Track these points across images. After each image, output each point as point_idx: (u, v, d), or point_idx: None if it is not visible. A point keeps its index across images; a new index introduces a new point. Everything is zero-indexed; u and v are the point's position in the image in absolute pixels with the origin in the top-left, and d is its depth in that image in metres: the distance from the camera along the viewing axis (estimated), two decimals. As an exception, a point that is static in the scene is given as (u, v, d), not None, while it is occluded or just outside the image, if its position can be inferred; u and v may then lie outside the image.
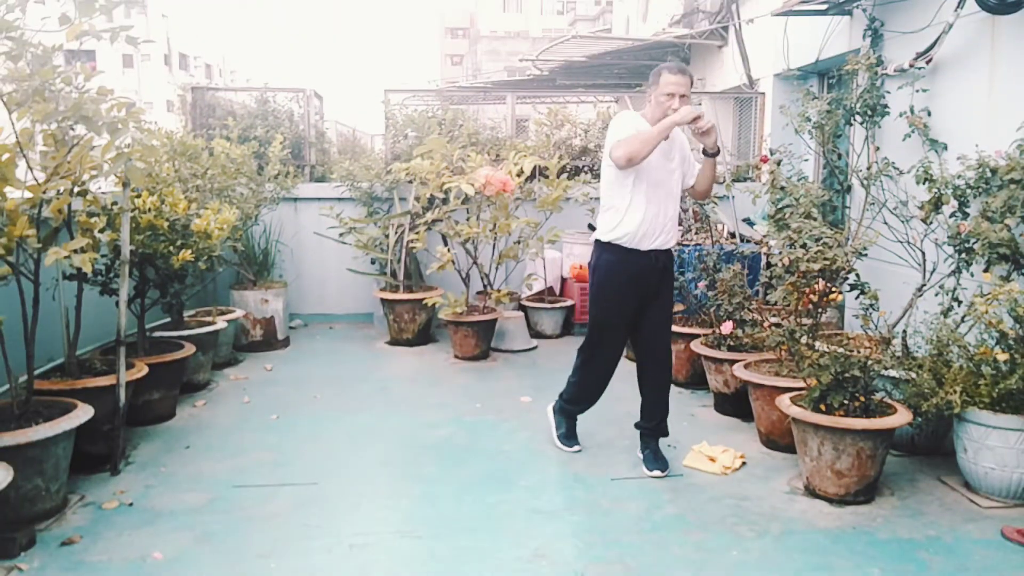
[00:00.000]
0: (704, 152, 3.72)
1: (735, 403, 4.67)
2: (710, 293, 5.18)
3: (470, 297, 6.42)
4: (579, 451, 4.10)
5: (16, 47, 3.17)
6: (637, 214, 3.69)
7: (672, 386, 5.28)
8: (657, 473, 3.78)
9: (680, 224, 6.45)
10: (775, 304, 4.38)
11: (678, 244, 6.05)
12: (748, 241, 6.17)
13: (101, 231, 3.78)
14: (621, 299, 3.80)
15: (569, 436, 4.18)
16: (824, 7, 5.93)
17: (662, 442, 4.01)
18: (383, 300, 6.63)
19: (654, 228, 3.71)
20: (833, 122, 5.19)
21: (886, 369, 3.78)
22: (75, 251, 3.20)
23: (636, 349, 4.02)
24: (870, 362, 3.59)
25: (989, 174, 3.91)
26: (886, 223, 4.66)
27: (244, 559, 3.00)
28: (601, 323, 3.91)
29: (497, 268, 6.63)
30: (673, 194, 3.80)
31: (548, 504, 3.50)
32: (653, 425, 3.94)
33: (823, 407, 3.58)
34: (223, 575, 2.90)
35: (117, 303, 3.91)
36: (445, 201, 6.44)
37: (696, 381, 5.25)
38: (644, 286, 3.79)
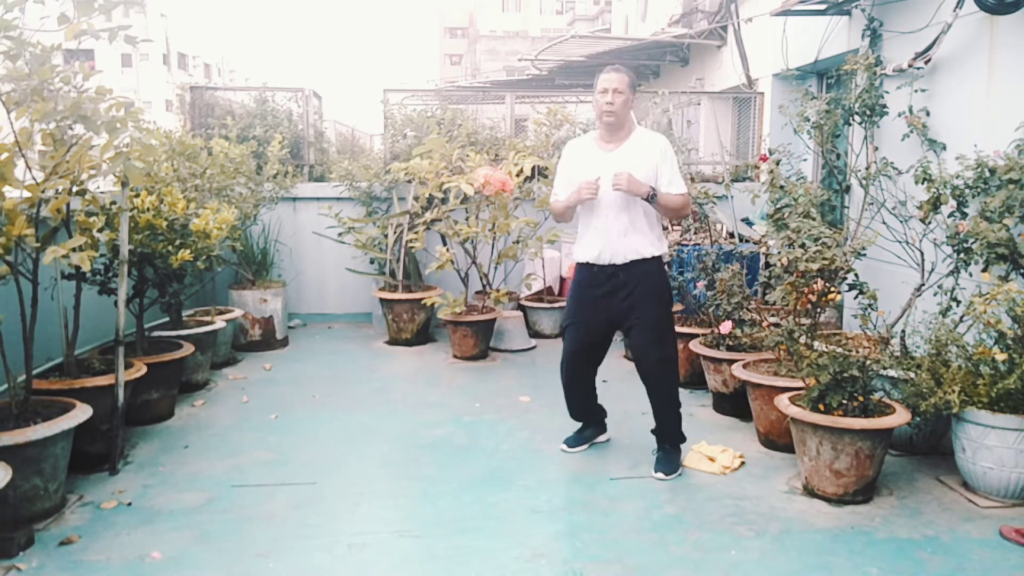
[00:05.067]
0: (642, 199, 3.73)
1: (734, 403, 4.67)
2: (709, 293, 5.18)
3: (469, 297, 6.42)
4: (563, 450, 4.09)
5: (15, 46, 3.16)
6: (586, 233, 3.85)
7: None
8: (660, 476, 3.77)
9: (679, 225, 6.46)
10: (774, 304, 4.38)
11: (677, 244, 6.05)
12: (747, 241, 6.17)
13: (100, 230, 3.79)
14: (578, 305, 3.93)
15: (571, 435, 4.17)
16: (823, 7, 5.94)
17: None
18: (382, 300, 6.63)
19: (605, 244, 3.76)
20: (832, 122, 5.19)
21: (885, 369, 3.78)
22: (73, 250, 3.20)
23: None
24: (869, 362, 3.59)
25: (988, 174, 3.92)
26: (885, 223, 4.66)
27: (243, 558, 3.00)
28: (566, 322, 4.02)
29: (496, 268, 6.63)
30: (620, 207, 3.73)
31: (547, 504, 3.51)
32: (658, 430, 3.95)
33: (822, 407, 3.58)
34: (222, 575, 2.89)
35: (116, 302, 3.91)
36: (444, 201, 6.44)
37: (695, 381, 5.25)
38: (599, 300, 3.83)
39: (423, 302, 6.29)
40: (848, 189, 5.61)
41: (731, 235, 6.44)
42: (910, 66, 5.00)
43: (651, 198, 3.67)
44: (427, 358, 6.19)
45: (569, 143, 4.06)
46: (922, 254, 4.32)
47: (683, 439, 3.97)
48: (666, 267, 5.85)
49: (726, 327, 4.79)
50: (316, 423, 4.59)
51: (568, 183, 3.86)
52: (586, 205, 3.80)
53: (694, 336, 5.10)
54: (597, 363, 4.06)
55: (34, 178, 3.33)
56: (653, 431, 3.97)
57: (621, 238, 3.74)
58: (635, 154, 3.74)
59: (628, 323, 3.84)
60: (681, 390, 5.19)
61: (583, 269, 3.91)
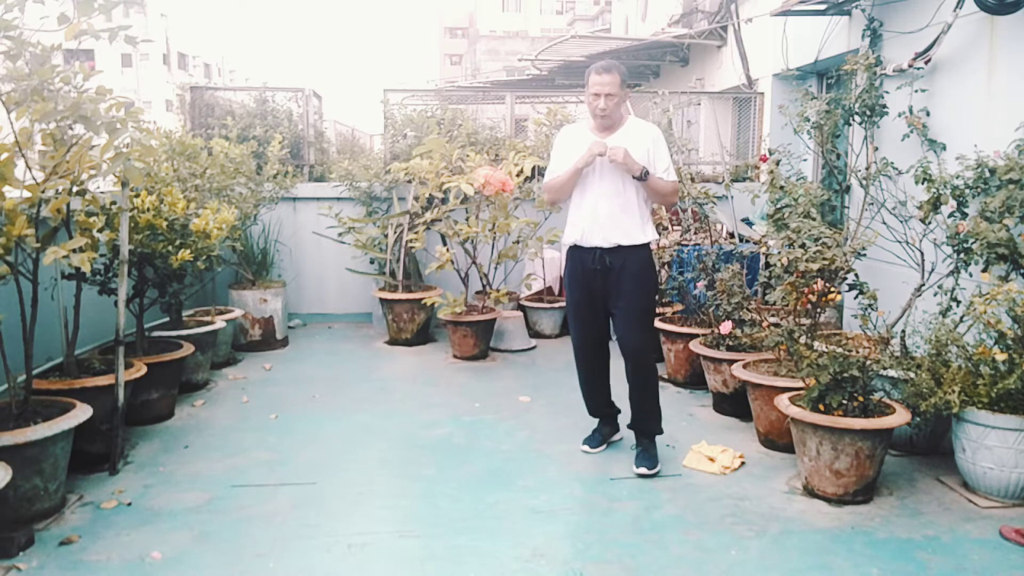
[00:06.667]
0: (633, 177, 3.75)
1: (734, 403, 4.67)
2: (709, 293, 5.19)
3: (469, 297, 6.42)
4: (585, 451, 4.11)
5: (15, 46, 3.16)
6: (575, 214, 3.91)
7: (671, 385, 5.35)
8: (643, 471, 3.77)
9: (679, 225, 6.46)
10: (774, 304, 4.38)
11: (677, 244, 6.05)
12: (747, 241, 6.17)
13: (100, 231, 3.79)
14: (573, 292, 3.99)
15: (590, 436, 4.19)
16: (823, 7, 5.94)
17: (660, 441, 4.03)
18: (382, 300, 6.63)
19: (593, 226, 3.81)
20: (832, 122, 5.19)
21: (885, 369, 3.78)
22: (74, 250, 3.20)
23: None
24: (869, 362, 3.59)
25: (987, 174, 3.92)
26: (885, 223, 4.66)
27: (243, 558, 3.00)
28: (568, 313, 4.11)
29: (496, 268, 6.63)
30: (611, 191, 3.78)
31: (547, 503, 3.51)
32: (635, 423, 3.98)
33: (822, 407, 3.58)
34: (222, 574, 2.89)
35: (116, 303, 3.91)
36: (444, 201, 6.44)
37: (695, 381, 5.25)
38: (591, 282, 3.88)
39: (423, 302, 6.30)
40: (848, 189, 5.61)
41: (731, 235, 6.44)
42: (910, 66, 5.00)
43: (643, 176, 3.71)
44: (427, 358, 6.19)
45: (564, 128, 4.13)
46: (922, 254, 4.32)
47: (660, 431, 3.97)
48: (666, 266, 5.89)
49: (726, 327, 4.79)
50: (316, 423, 4.59)
51: (565, 166, 3.88)
52: (578, 186, 3.85)
53: (694, 336, 5.10)
54: (605, 353, 4.09)
55: (34, 178, 3.33)
56: (630, 425, 4.00)
57: (609, 221, 3.79)
58: (628, 141, 3.78)
59: (612, 307, 3.89)
60: (681, 390, 5.25)
61: (572, 255, 3.96)
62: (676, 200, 3.89)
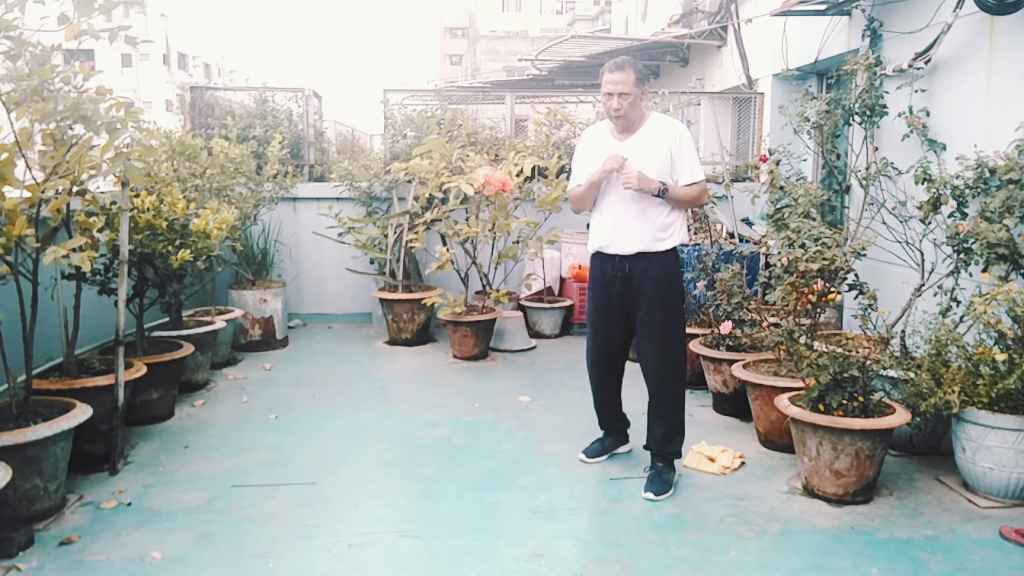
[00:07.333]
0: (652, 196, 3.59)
1: (734, 403, 4.68)
2: (709, 293, 5.19)
3: (469, 297, 6.42)
4: (582, 460, 4.00)
5: (15, 46, 3.16)
6: (597, 220, 3.79)
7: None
8: (650, 496, 3.54)
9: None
10: (774, 304, 4.38)
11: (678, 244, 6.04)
12: (747, 241, 6.17)
13: (100, 230, 3.79)
14: (592, 298, 3.88)
15: (590, 445, 4.06)
16: (823, 7, 5.94)
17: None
18: (382, 300, 6.63)
19: (615, 232, 3.67)
20: (832, 122, 5.19)
21: (885, 369, 3.78)
22: (73, 250, 3.20)
23: None
24: (869, 362, 3.59)
25: (987, 174, 3.92)
26: (885, 223, 4.67)
27: (242, 558, 3.00)
28: (587, 319, 3.97)
29: (496, 268, 6.63)
30: (632, 196, 3.59)
31: (547, 504, 3.51)
32: (650, 443, 3.78)
33: (822, 407, 3.58)
34: (222, 574, 2.89)
35: (116, 303, 3.91)
36: (444, 201, 6.45)
37: (695, 381, 5.24)
38: (610, 290, 3.75)
39: (423, 302, 6.30)
40: (848, 189, 5.61)
41: (731, 235, 6.44)
42: (910, 66, 5.00)
43: (662, 193, 3.52)
44: (427, 358, 6.19)
45: (586, 131, 3.99)
46: (922, 254, 4.32)
47: (679, 454, 3.76)
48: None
49: (726, 327, 4.79)
50: (316, 423, 4.59)
51: (586, 173, 3.74)
52: (601, 192, 3.70)
53: (694, 336, 5.10)
54: (620, 362, 3.95)
55: (34, 178, 3.33)
56: (646, 446, 3.79)
57: (631, 227, 3.63)
58: (649, 142, 3.62)
59: (636, 320, 3.75)
60: (681, 390, 5.24)
61: (595, 260, 3.82)
62: (704, 202, 3.61)
